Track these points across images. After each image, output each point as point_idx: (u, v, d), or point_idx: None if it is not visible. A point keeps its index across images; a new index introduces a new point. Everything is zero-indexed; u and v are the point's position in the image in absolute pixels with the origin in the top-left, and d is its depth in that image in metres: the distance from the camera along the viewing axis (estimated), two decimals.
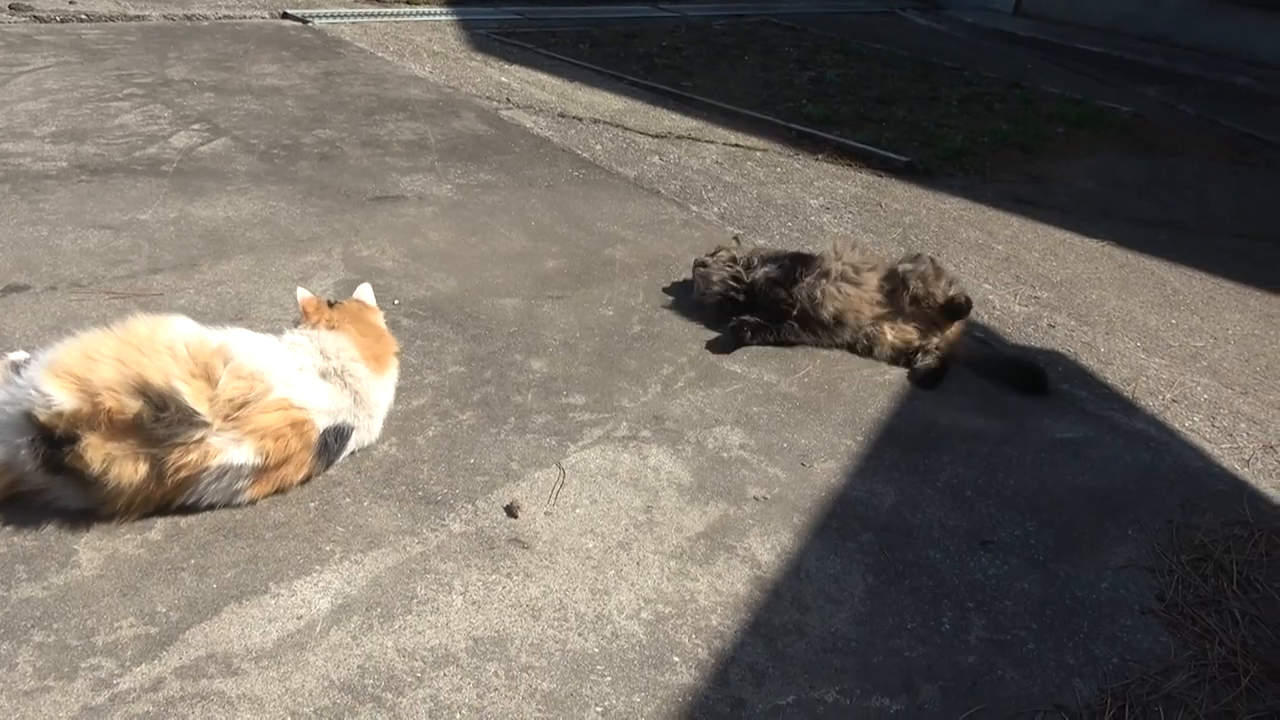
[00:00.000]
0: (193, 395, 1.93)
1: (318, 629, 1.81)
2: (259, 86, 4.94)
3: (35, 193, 3.39)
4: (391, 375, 2.35)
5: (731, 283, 3.15)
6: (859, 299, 3.05)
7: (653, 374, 2.83)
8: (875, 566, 2.17)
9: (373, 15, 6.95)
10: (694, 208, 4.15)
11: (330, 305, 2.38)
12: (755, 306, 3.10)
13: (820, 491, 2.40)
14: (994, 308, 3.56)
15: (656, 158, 4.72)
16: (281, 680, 1.69)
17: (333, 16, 6.70)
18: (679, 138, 5.09)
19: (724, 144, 5.09)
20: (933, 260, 3.14)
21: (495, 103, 5.23)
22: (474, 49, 6.38)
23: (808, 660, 1.89)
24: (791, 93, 6.28)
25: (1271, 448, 2.85)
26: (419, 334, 2.86)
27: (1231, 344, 3.52)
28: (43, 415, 1.87)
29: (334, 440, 2.15)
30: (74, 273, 2.91)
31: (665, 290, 3.35)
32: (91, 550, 1.92)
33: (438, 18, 7.19)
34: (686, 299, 3.30)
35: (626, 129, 5.11)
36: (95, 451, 1.87)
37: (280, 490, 2.11)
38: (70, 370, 1.92)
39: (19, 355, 2.20)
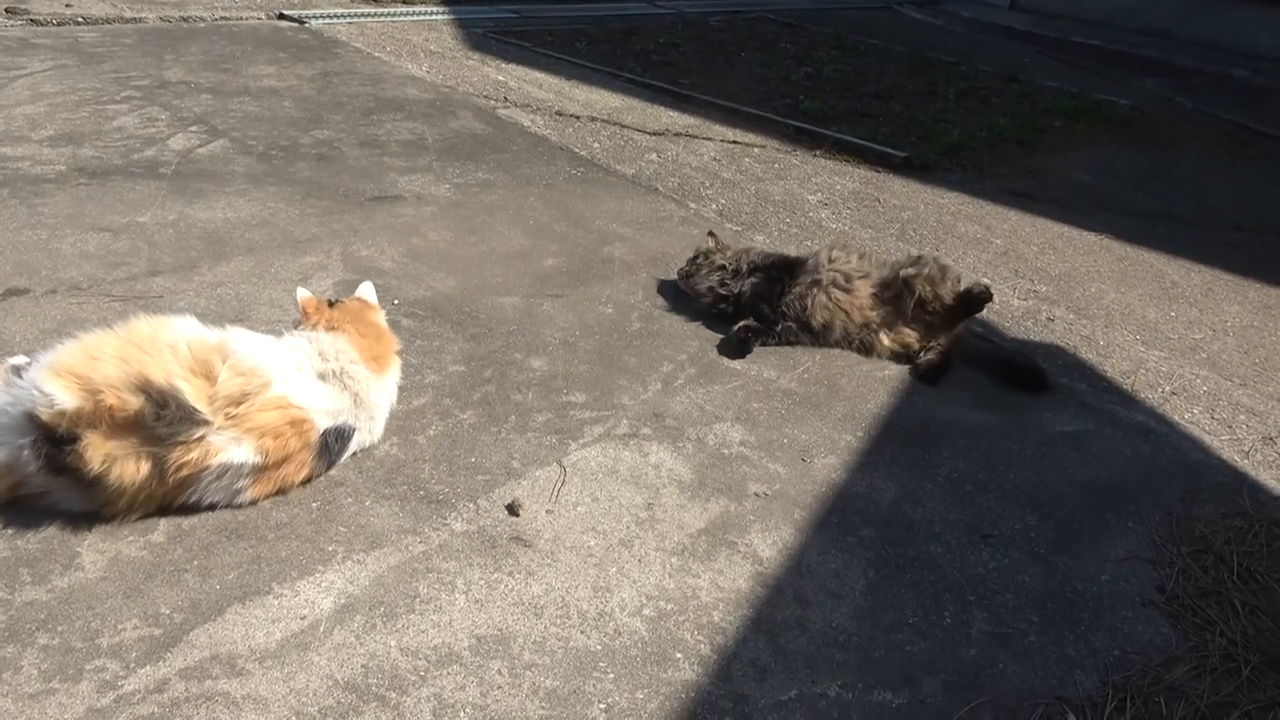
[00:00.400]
0: (193, 393, 1.93)
1: (321, 629, 1.81)
2: (256, 88, 4.95)
3: (34, 196, 3.39)
4: (393, 375, 2.36)
5: (720, 291, 3.13)
6: (850, 306, 3.03)
7: (653, 371, 2.84)
8: (876, 561, 2.18)
9: (369, 15, 6.95)
10: (692, 205, 4.16)
11: (331, 305, 2.38)
12: (745, 315, 3.08)
13: (821, 487, 2.41)
14: (994, 302, 3.55)
15: (654, 155, 4.72)
16: (286, 680, 1.70)
17: (329, 17, 6.70)
18: (676, 135, 5.10)
19: (722, 140, 5.09)
20: (936, 260, 3.12)
21: (493, 101, 5.23)
22: (471, 48, 6.38)
23: (809, 655, 1.89)
24: (789, 89, 6.28)
25: (1271, 439, 2.86)
26: (419, 334, 2.87)
27: (1230, 336, 3.52)
28: (45, 415, 1.87)
29: (335, 441, 2.16)
30: (74, 276, 2.92)
31: (664, 287, 3.36)
32: (94, 552, 1.93)
33: (434, 17, 7.18)
34: (685, 296, 3.30)
35: (624, 126, 5.11)
36: (96, 451, 1.88)
37: (281, 490, 2.11)
38: (72, 369, 1.92)
39: (19, 359, 2.20)
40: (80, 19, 5.81)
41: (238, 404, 1.97)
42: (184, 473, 1.94)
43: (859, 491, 2.41)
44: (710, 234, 3.38)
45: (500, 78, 5.74)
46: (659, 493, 2.32)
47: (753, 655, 1.88)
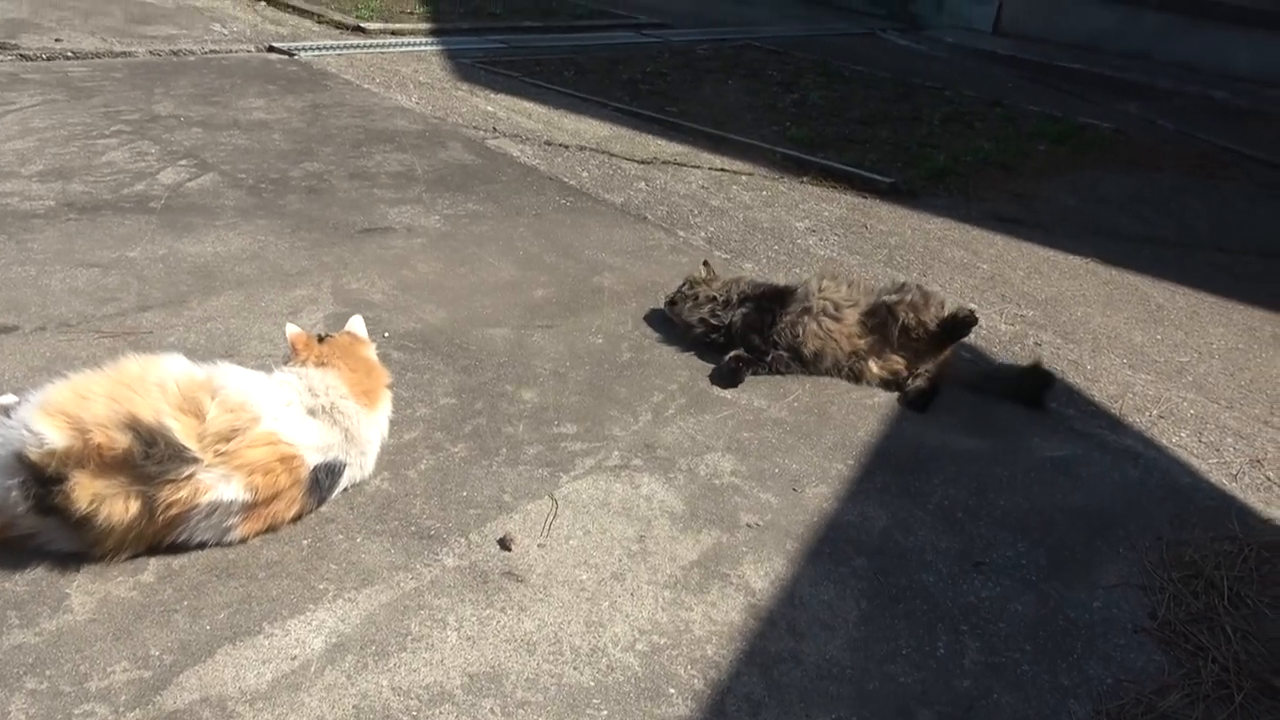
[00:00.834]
0: (182, 431, 1.93)
1: (312, 669, 1.80)
2: (246, 121, 4.97)
3: (23, 232, 3.39)
4: (383, 410, 2.36)
5: (711, 321, 3.14)
6: (840, 335, 3.05)
7: (643, 402, 2.84)
8: (869, 591, 2.18)
9: (358, 47, 6.99)
10: (681, 233, 4.18)
11: (321, 340, 2.38)
12: (736, 345, 3.10)
13: (812, 517, 2.41)
14: (980, 327, 3.58)
15: (643, 183, 4.75)
16: None
17: (318, 49, 6.74)
18: (665, 163, 5.13)
19: (709, 168, 5.13)
20: (919, 287, 3.15)
21: (482, 132, 5.26)
22: (460, 78, 6.43)
23: (804, 688, 1.89)
24: (776, 116, 6.33)
25: (1258, 462, 2.88)
26: (409, 366, 2.87)
27: (1216, 358, 3.55)
28: (34, 454, 1.87)
29: (325, 477, 2.15)
30: (63, 312, 2.91)
31: (654, 317, 3.37)
32: (83, 594, 1.91)
33: (423, 48, 7.24)
34: (675, 325, 3.31)
35: (613, 155, 5.14)
36: (84, 490, 1.87)
37: (271, 528, 2.11)
38: (62, 408, 1.92)
39: (8, 399, 2.20)
40: (70, 53, 5.83)
41: (227, 440, 1.97)
42: (173, 511, 1.93)
43: (850, 520, 2.41)
44: (704, 263, 3.40)
45: (489, 108, 5.78)
46: (651, 525, 2.32)
47: (747, 690, 1.87)
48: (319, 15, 7.77)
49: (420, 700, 1.76)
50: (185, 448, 1.92)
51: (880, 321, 3.06)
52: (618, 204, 4.43)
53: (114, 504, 1.89)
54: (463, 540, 2.18)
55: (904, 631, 2.07)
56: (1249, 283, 4.31)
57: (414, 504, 2.28)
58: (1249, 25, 9.15)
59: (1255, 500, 2.68)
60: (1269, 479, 2.79)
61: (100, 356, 2.70)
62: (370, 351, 2.48)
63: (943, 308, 3.10)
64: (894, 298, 3.07)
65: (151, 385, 2.00)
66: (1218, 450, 2.92)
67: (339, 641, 1.87)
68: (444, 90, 6.08)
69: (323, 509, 2.21)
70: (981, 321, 3.64)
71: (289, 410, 2.13)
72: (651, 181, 4.80)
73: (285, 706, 1.72)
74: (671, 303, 3.27)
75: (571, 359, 3.03)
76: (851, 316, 3.08)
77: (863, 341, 3.06)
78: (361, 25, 7.50)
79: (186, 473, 1.92)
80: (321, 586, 2.00)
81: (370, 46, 7.05)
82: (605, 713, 1.78)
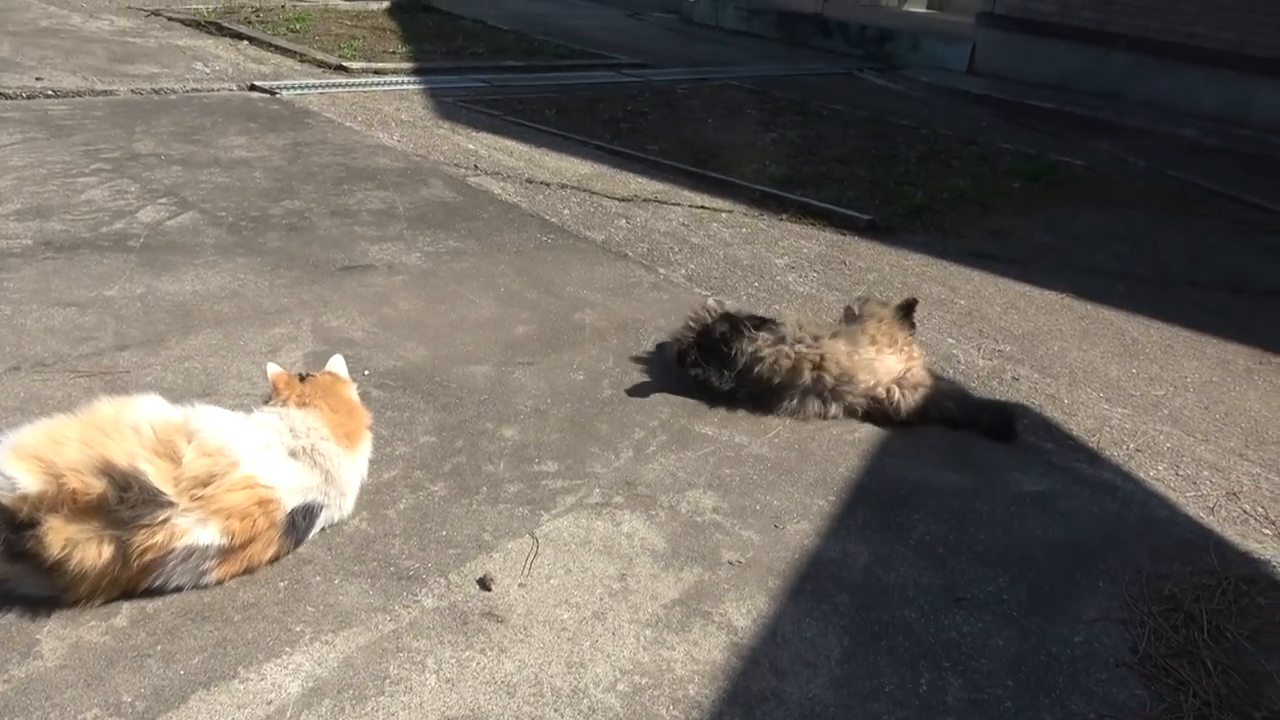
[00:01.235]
0: (157, 475, 1.91)
1: (288, 714, 1.77)
2: (227, 159, 4.98)
3: None
4: (364, 450, 2.34)
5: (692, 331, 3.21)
6: (812, 353, 3.10)
7: (624, 439, 2.84)
8: (851, 628, 2.17)
9: (340, 85, 7.04)
10: (661, 270, 4.21)
11: (302, 379, 2.37)
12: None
13: (794, 553, 2.41)
14: (959, 362, 3.62)
15: (624, 221, 4.79)
16: None
17: (301, 88, 6.78)
18: (645, 200, 5.18)
19: (690, 206, 5.18)
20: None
21: (463, 170, 5.30)
22: (441, 117, 6.47)
23: None
24: (755, 154, 6.41)
25: (1234, 494, 2.90)
26: (390, 404, 2.86)
27: (1191, 392, 3.59)
28: (6, 499, 1.84)
29: (303, 519, 2.13)
30: (38, 352, 2.89)
31: (635, 353, 3.38)
32: (54, 639, 1.88)
33: (405, 86, 7.30)
34: (657, 362, 3.33)
35: (594, 193, 5.18)
36: (57, 536, 1.84)
37: (248, 570, 2.08)
38: (35, 453, 1.90)
39: None
40: (50, 91, 5.84)
41: (204, 485, 1.95)
42: (148, 557, 1.90)
43: (832, 557, 2.41)
44: (715, 300, 3.45)
45: (471, 146, 5.82)
46: (632, 563, 2.31)
47: None
48: (302, 54, 7.83)
49: None
50: (160, 492, 1.90)
51: (848, 318, 3.30)
52: (599, 241, 4.46)
53: (87, 549, 1.86)
54: (442, 580, 2.16)
55: (887, 669, 2.06)
56: (1221, 317, 4.38)
57: (393, 544, 2.26)
58: (1215, 65, 9.38)
59: (1232, 533, 2.70)
60: (1245, 512, 2.81)
61: (76, 396, 2.68)
62: (352, 391, 2.46)
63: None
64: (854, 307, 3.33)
65: (126, 428, 1.99)
66: (1194, 483, 2.95)
67: (316, 686, 1.84)
68: (426, 128, 6.12)
69: (300, 550, 2.18)
70: (960, 357, 3.68)
71: (269, 452, 2.11)
72: (632, 219, 4.84)
73: None
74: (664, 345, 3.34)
75: (553, 396, 3.03)
76: (825, 335, 3.15)
77: (840, 344, 3.11)
78: (344, 64, 7.56)
79: (161, 517, 1.90)
80: (298, 629, 1.97)
81: (353, 85, 7.10)
82: None
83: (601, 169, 5.69)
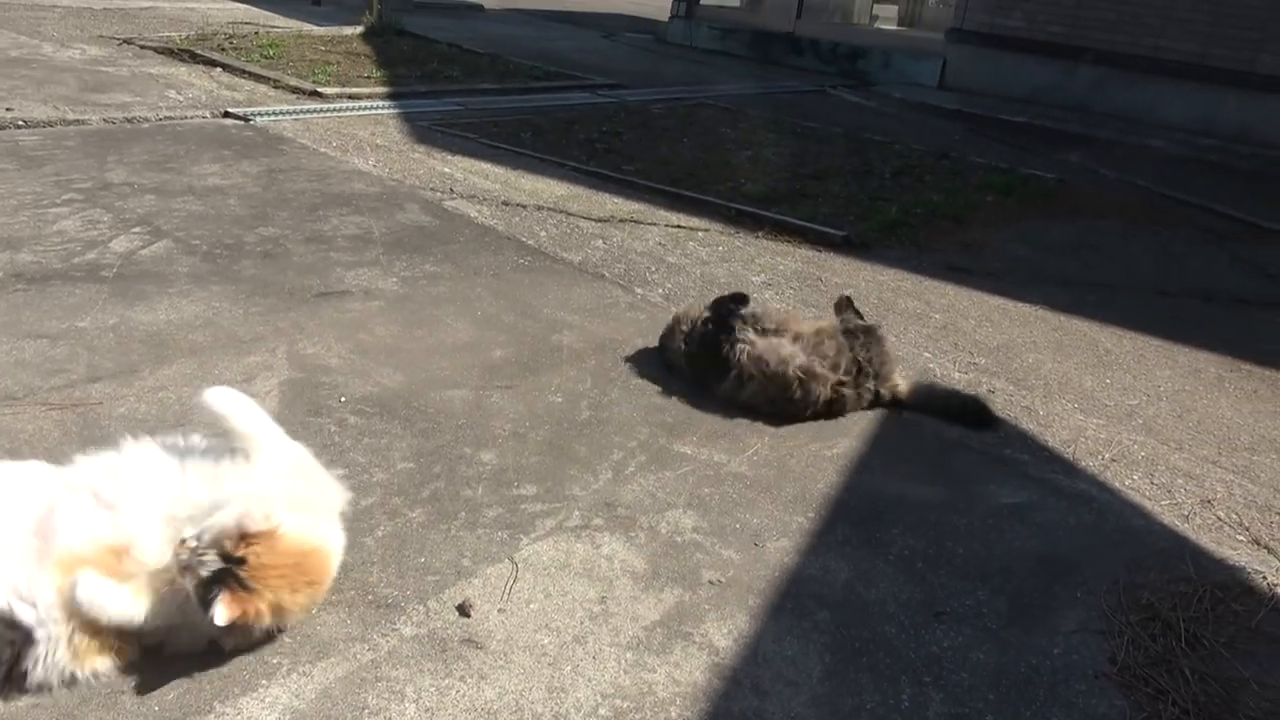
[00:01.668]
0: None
1: None
2: (201, 187, 4.96)
3: None
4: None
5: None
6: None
7: (603, 460, 2.84)
8: (832, 645, 2.17)
9: (315, 111, 7.03)
10: (639, 290, 4.22)
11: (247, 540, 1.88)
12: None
13: (774, 571, 2.41)
14: (935, 375, 3.65)
15: (600, 241, 4.80)
16: None
17: (275, 114, 6.77)
18: (622, 221, 5.19)
19: (666, 225, 5.20)
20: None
21: (439, 193, 5.30)
22: (416, 141, 6.48)
23: None
24: (730, 172, 6.45)
25: (1208, 502, 2.93)
26: (366, 431, 2.84)
27: (1164, 401, 3.63)
28: None
29: None
30: (8, 385, 2.85)
31: (613, 374, 3.38)
32: None
33: (380, 111, 7.30)
34: (634, 382, 3.33)
35: (570, 214, 5.20)
36: None
37: None
38: None
39: None
40: (21, 122, 5.80)
41: None
42: None
43: (812, 574, 2.41)
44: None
45: (446, 169, 5.83)
46: (612, 585, 2.30)
47: None
48: (275, 81, 7.82)
49: None
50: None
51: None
52: (575, 262, 4.47)
53: None
54: (421, 608, 2.15)
55: (868, 685, 2.06)
56: (1192, 326, 4.44)
57: (371, 572, 2.24)
58: (1181, 77, 9.56)
59: (1207, 540, 2.72)
60: (1219, 519, 2.84)
61: (48, 429, 2.65)
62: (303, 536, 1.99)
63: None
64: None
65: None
66: (1169, 492, 2.98)
67: (293, 719, 1.82)
68: (401, 153, 6.12)
69: None
70: (936, 370, 3.70)
71: None
72: (609, 239, 4.85)
73: None
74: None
75: (531, 419, 3.03)
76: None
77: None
78: (318, 90, 7.56)
79: None
80: (275, 661, 1.95)
81: (327, 111, 7.09)
82: None
83: (578, 190, 5.71)
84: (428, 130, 6.80)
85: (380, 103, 7.58)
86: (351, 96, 7.61)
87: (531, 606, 2.20)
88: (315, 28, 11.08)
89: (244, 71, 8.08)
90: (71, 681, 1.81)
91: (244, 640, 1.91)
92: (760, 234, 5.22)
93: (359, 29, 10.86)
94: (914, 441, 3.14)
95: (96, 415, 2.75)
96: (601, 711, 1.92)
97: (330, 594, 2.15)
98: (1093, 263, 5.29)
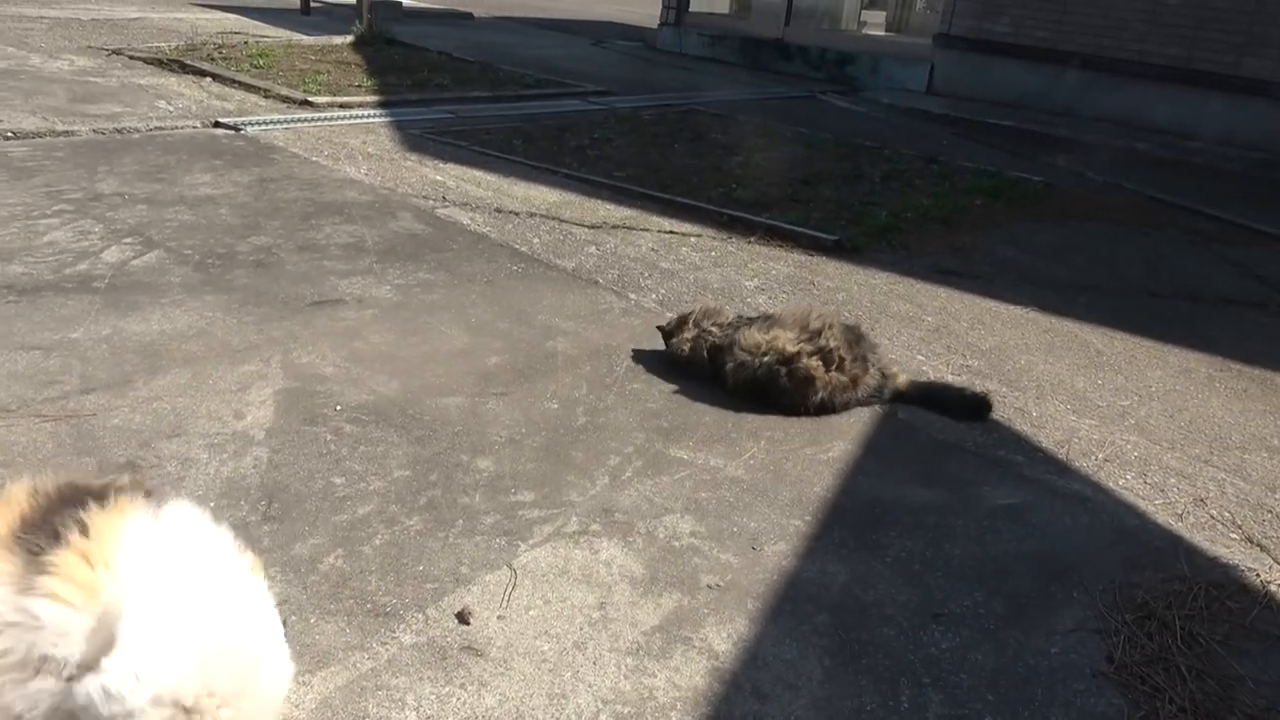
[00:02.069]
0: None
1: None
2: (192, 196, 4.95)
3: None
4: None
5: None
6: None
7: (600, 465, 2.84)
8: (831, 648, 2.18)
9: (305, 120, 7.03)
10: (632, 296, 4.23)
11: None
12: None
13: (773, 575, 2.41)
14: (929, 377, 3.66)
15: (593, 248, 4.81)
16: None
17: (266, 124, 6.76)
18: (614, 227, 5.21)
19: (659, 231, 5.22)
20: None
21: (432, 201, 5.30)
22: (408, 149, 6.48)
23: None
24: (721, 178, 6.48)
25: (1201, 500, 2.95)
26: (363, 439, 2.84)
27: (1155, 400, 3.66)
28: None
29: None
30: (0, 397, 2.84)
31: (608, 380, 3.39)
32: None
33: (371, 119, 7.30)
34: (630, 388, 3.34)
35: (563, 221, 5.21)
36: None
37: None
38: None
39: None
40: (10, 133, 5.78)
41: None
42: None
43: (810, 577, 2.42)
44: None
45: (439, 177, 5.83)
46: (611, 591, 2.30)
47: None
48: (266, 90, 7.81)
49: None
50: None
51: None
52: (569, 269, 4.48)
53: None
54: (420, 616, 2.15)
55: (868, 688, 2.07)
56: (1181, 326, 4.47)
57: (369, 581, 2.24)
58: (1166, 81, 9.63)
59: (1201, 539, 2.74)
60: (1212, 517, 2.86)
61: (42, 441, 2.64)
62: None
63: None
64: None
65: None
66: (1163, 491, 3.00)
67: None
68: (393, 161, 6.12)
69: (274, 589, 2.15)
70: (929, 373, 3.72)
71: None
72: (602, 246, 4.86)
73: None
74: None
75: (527, 425, 3.03)
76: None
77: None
78: (309, 99, 7.56)
79: None
80: None
81: (318, 120, 7.09)
82: None
83: (570, 197, 5.72)
84: (419, 138, 6.81)
85: (371, 111, 7.59)
86: (342, 105, 7.62)
87: (531, 613, 2.20)
88: (305, 37, 11.08)
89: (234, 81, 8.08)
90: None
91: None
92: (752, 239, 5.24)
93: (349, 38, 10.87)
94: (908, 445, 3.16)
95: (91, 427, 2.74)
96: (603, 717, 1.92)
97: (329, 603, 2.15)
98: (1082, 265, 5.32)
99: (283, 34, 11.27)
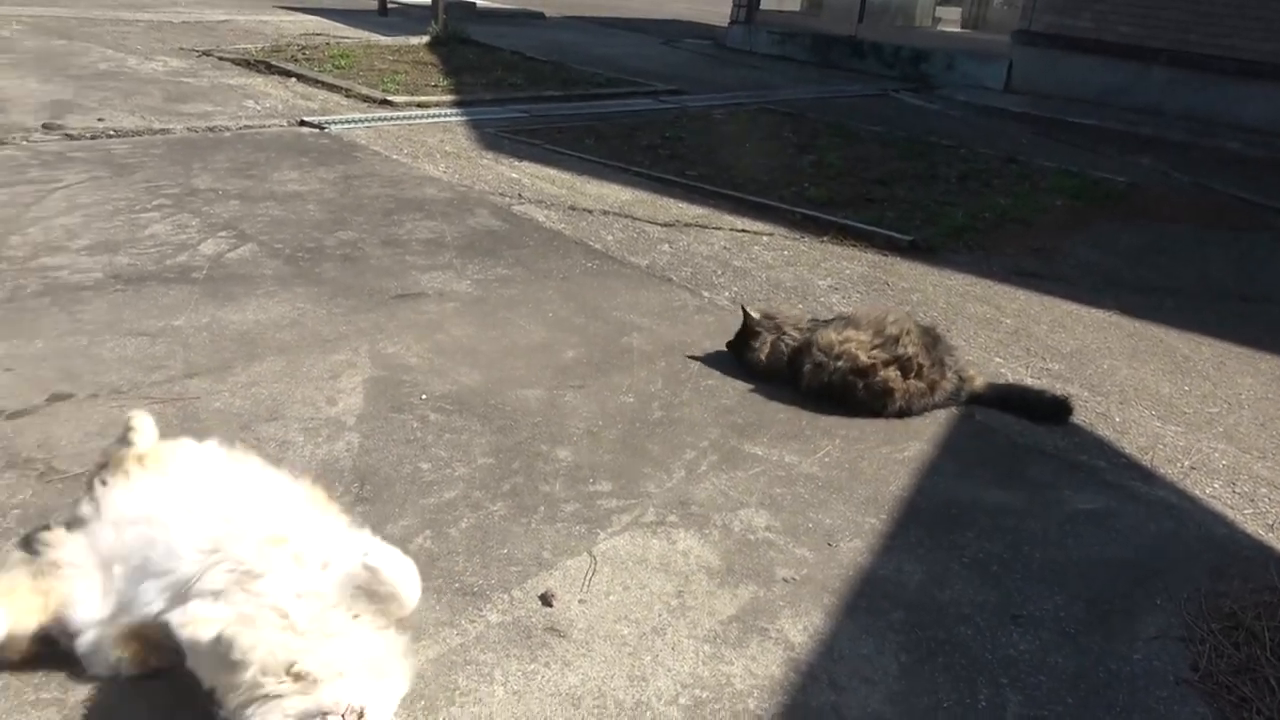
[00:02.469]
0: None
1: None
2: (281, 192, 5.14)
3: (74, 304, 3.52)
4: None
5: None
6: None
7: (676, 459, 2.89)
8: (907, 645, 2.19)
9: (385, 119, 7.23)
10: (705, 293, 4.26)
11: None
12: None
13: (848, 571, 2.43)
14: (1006, 381, 3.62)
15: (666, 246, 4.86)
16: None
17: (348, 122, 6.97)
18: (686, 225, 5.25)
19: (731, 230, 5.24)
20: None
21: (507, 198, 5.41)
22: (484, 147, 6.62)
23: None
24: (793, 177, 6.47)
25: None
26: (447, 427, 2.94)
27: (1246, 409, 3.56)
28: None
29: None
30: (114, 380, 3.01)
31: (683, 375, 3.43)
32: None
33: (448, 118, 7.47)
34: (704, 384, 3.38)
35: (635, 219, 5.27)
36: None
37: None
38: None
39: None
40: (112, 132, 6.07)
41: None
42: None
43: (886, 574, 2.43)
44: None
45: (514, 175, 5.95)
46: (689, 580, 2.35)
47: None
48: (347, 90, 8.04)
49: None
50: None
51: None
52: (642, 266, 4.53)
53: None
54: (505, 596, 2.22)
55: (944, 685, 2.08)
56: (1275, 332, 4.33)
57: (457, 561, 2.33)
58: (1257, 77, 9.29)
59: None
60: None
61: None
62: None
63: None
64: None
65: None
66: (1252, 501, 2.92)
67: None
68: (469, 159, 6.26)
69: None
70: (1008, 375, 3.68)
71: None
72: (675, 243, 4.91)
73: None
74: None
75: (604, 418, 3.09)
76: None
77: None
78: (389, 99, 7.76)
79: None
80: None
81: (397, 119, 7.28)
82: None
83: (642, 195, 5.78)
84: (494, 137, 6.94)
85: (448, 110, 7.76)
86: (420, 105, 7.80)
87: (610, 598, 2.26)
88: (383, 38, 11.35)
89: (317, 81, 8.33)
90: None
91: None
92: (825, 238, 5.23)
93: (425, 38, 11.10)
94: (986, 446, 3.14)
95: (195, 409, 2.89)
96: (682, 700, 1.97)
97: (420, 580, 2.24)
98: (1168, 268, 5.19)
99: (361, 35, 11.58)
